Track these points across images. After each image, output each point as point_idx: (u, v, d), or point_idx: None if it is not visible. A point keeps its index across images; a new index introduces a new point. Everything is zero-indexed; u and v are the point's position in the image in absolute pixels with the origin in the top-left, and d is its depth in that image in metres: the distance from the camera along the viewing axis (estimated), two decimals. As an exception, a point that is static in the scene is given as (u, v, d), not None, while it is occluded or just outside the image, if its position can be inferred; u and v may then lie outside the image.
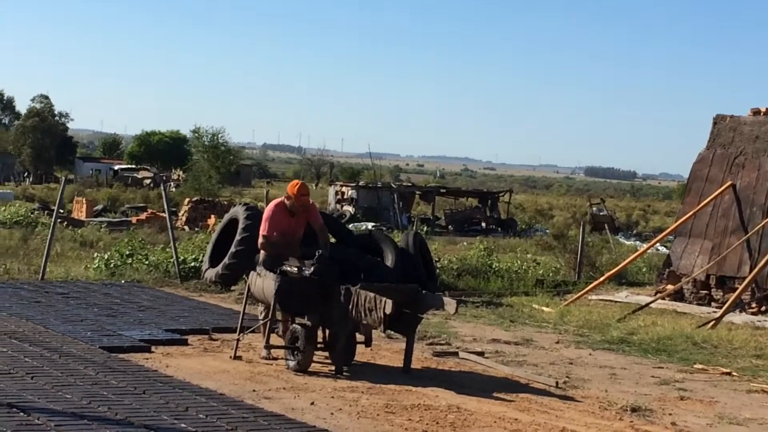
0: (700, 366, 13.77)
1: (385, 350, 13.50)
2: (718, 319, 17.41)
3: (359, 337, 12.57)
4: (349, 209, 51.08)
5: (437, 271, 21.30)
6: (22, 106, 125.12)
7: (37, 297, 16.50)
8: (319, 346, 12.30)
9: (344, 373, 11.74)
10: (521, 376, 12.29)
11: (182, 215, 40.87)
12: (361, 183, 58.54)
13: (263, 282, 12.39)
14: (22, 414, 8.67)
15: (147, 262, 20.94)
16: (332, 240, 13.55)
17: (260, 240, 12.60)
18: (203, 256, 20.65)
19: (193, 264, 20.74)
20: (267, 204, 30.99)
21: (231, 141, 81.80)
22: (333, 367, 11.87)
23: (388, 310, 11.23)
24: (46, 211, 38.86)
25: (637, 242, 42.03)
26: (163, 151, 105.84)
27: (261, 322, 12.86)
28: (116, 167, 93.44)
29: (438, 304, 12.18)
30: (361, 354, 12.72)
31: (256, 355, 12.59)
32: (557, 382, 11.86)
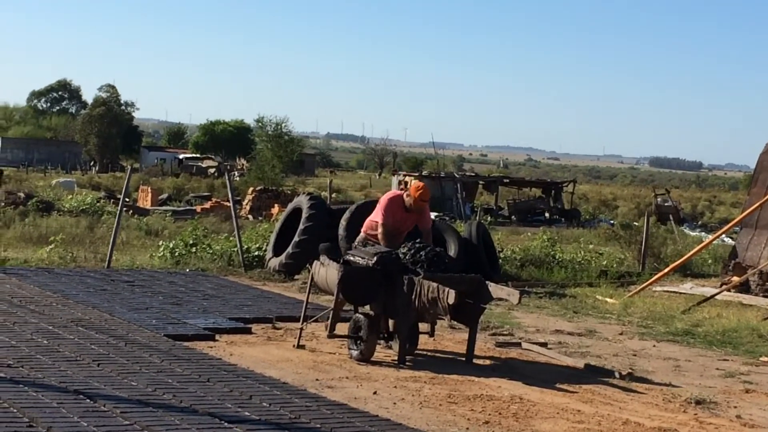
0: (766, 358, 13.63)
1: (448, 340, 13.49)
2: (785, 312, 17.20)
3: (422, 327, 12.58)
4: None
5: (500, 261, 21.30)
6: (88, 96, 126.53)
7: (103, 285, 16.65)
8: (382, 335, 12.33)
9: (407, 363, 11.75)
10: (584, 368, 12.22)
11: (246, 204, 41.11)
12: (424, 173, 58.47)
13: (326, 271, 12.43)
14: (88, 401, 8.78)
15: (211, 251, 21.08)
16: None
17: (379, 228, 12.71)
18: (267, 245, 20.87)
19: (257, 253, 20.87)
20: (330, 193, 31.23)
21: (294, 130, 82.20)
22: (396, 357, 11.89)
23: (451, 301, 11.21)
24: (111, 200, 39.22)
25: (703, 233, 41.65)
26: (227, 140, 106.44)
27: (328, 309, 12.90)
28: (181, 156, 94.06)
29: (501, 294, 12.13)
30: (424, 344, 12.73)
31: (319, 344, 12.64)
32: (620, 374, 11.79)
